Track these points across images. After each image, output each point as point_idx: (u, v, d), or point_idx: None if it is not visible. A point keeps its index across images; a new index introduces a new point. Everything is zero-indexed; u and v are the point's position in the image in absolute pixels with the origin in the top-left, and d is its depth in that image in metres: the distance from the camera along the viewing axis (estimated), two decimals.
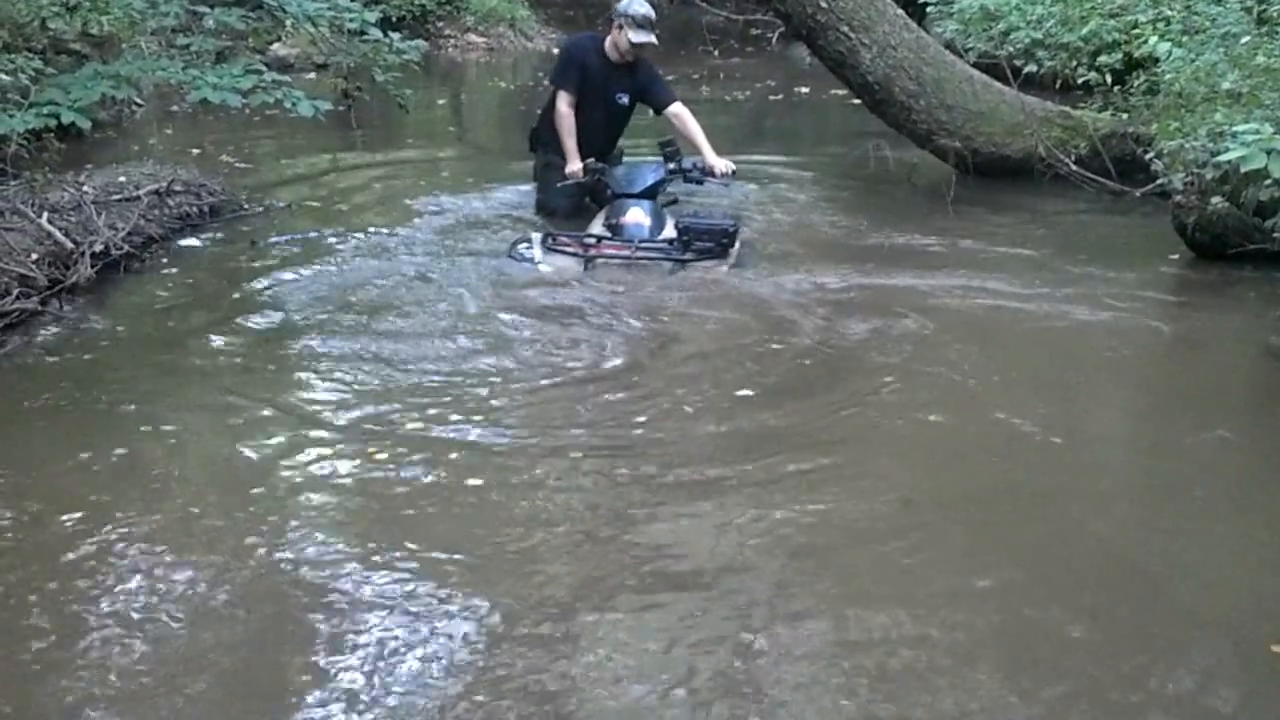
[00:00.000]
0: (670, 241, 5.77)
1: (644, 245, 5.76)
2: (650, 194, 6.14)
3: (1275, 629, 2.90)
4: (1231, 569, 3.21)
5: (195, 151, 8.42)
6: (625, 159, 6.71)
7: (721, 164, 6.23)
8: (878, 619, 2.94)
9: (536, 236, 5.89)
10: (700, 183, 6.27)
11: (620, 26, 6.31)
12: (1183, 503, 3.59)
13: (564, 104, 6.39)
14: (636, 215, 5.94)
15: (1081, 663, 2.78)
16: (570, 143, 6.36)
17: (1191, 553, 3.29)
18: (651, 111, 6.67)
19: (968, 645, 2.85)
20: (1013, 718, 2.60)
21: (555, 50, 11.66)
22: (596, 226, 6.01)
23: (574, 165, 6.34)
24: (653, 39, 6.32)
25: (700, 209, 6.26)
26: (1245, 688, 2.70)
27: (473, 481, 3.64)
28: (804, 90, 10.90)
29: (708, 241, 5.70)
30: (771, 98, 10.85)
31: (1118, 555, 3.27)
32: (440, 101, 11.16)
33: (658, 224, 5.96)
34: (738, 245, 5.83)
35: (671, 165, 6.19)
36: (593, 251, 5.71)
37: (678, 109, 6.46)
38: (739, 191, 7.06)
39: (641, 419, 4.11)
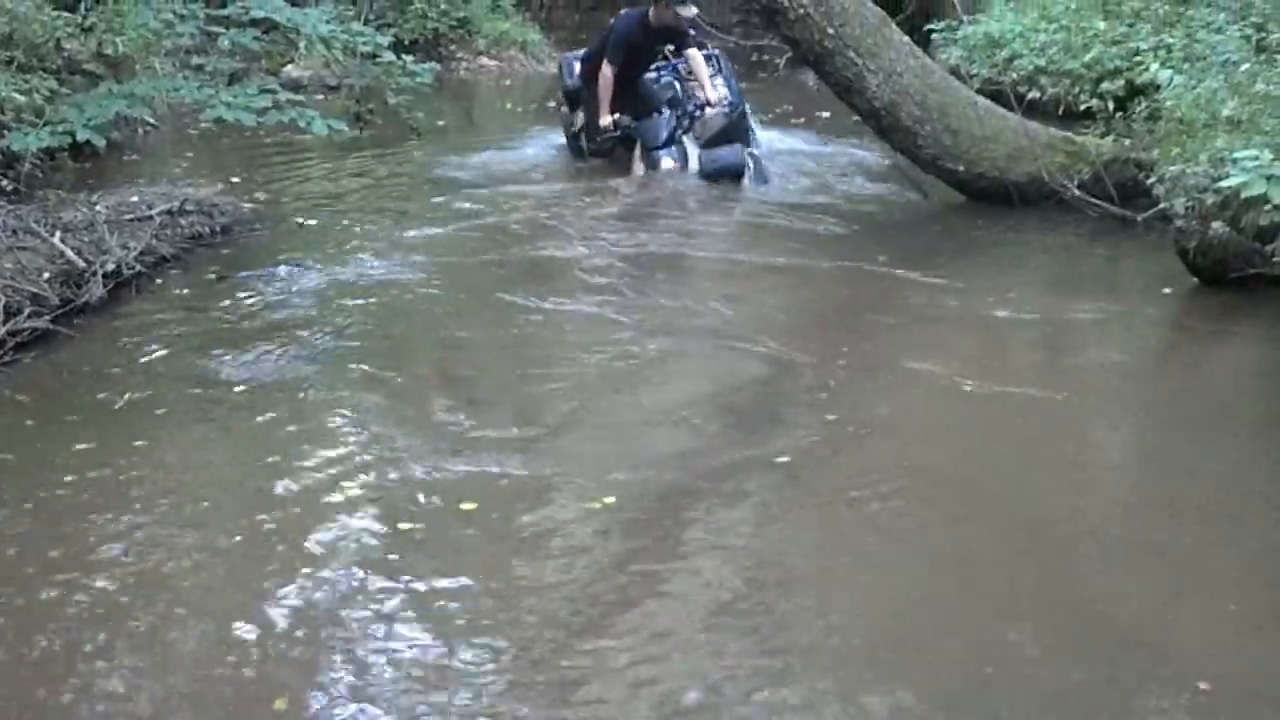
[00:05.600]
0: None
1: None
2: (670, 141, 8.01)
3: (1206, 666, 2.84)
4: (1185, 598, 3.19)
5: (208, 172, 8.48)
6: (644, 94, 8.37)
7: (715, 95, 8.09)
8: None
9: None
10: (699, 116, 8.11)
11: (670, 5, 7.90)
12: (1154, 527, 3.58)
13: (609, 72, 8.04)
14: (667, 163, 7.96)
15: (1000, 668, 2.85)
16: (608, 102, 8.03)
17: (1149, 577, 3.28)
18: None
19: (894, 658, 2.93)
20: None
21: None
22: (637, 167, 8.06)
23: (606, 120, 8.10)
24: (695, 9, 8.12)
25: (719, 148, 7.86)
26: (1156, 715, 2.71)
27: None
28: (825, 115, 10.95)
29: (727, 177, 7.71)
30: (793, 121, 10.90)
31: (1071, 573, 3.32)
32: (440, 123, 11.22)
33: (684, 163, 7.94)
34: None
35: (679, 112, 8.14)
36: None
37: (692, 52, 8.28)
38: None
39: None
